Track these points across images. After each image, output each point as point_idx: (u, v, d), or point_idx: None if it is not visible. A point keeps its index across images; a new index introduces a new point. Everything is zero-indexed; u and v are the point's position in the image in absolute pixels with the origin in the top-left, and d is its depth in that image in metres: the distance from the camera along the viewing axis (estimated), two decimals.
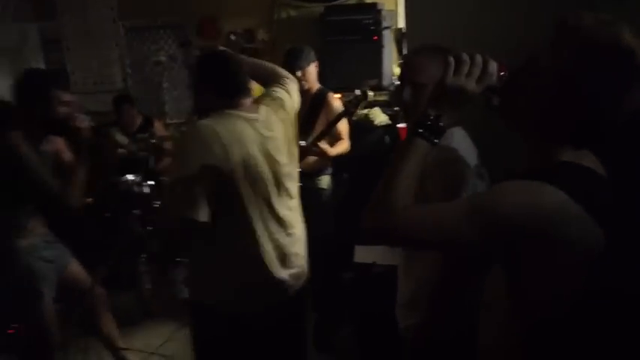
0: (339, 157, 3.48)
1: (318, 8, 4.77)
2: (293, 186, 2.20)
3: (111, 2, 5.38)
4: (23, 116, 2.51)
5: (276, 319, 2.13)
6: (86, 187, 2.64)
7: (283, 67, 3.37)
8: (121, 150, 4.38)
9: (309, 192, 3.34)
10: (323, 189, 3.48)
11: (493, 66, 1.16)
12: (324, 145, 3.24)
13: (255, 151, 1.97)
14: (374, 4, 4.56)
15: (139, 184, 4.05)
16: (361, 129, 3.86)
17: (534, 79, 1.12)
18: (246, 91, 2.06)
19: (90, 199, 3.98)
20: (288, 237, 2.12)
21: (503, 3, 2.01)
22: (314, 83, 3.44)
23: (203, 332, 2.15)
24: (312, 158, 3.32)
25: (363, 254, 2.79)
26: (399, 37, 4.61)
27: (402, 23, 4.62)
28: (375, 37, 4.48)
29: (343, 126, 3.42)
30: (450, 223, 1.08)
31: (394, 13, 4.68)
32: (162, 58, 5.37)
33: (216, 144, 1.87)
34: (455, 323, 1.61)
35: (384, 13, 4.48)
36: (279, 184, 2.07)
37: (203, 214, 1.86)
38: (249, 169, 1.94)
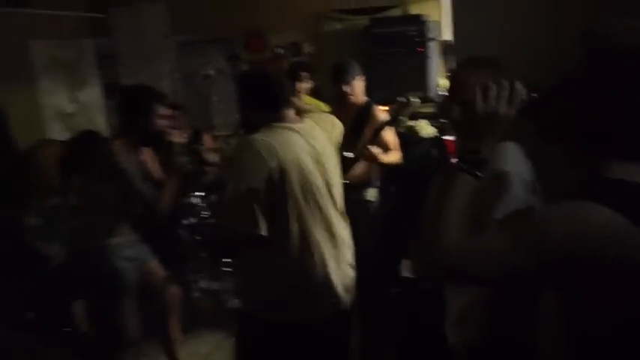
0: (386, 170, 3.48)
1: (363, 21, 4.80)
2: (340, 198, 2.22)
3: (162, 18, 5.54)
4: (124, 127, 2.71)
5: (324, 331, 2.13)
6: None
7: (331, 80, 3.43)
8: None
9: (355, 204, 3.34)
10: (370, 201, 3.48)
11: (520, 87, 1.15)
12: (374, 149, 3.22)
13: (308, 161, 2.01)
14: (419, 16, 4.57)
15: (189, 195, 4.14)
16: (407, 141, 3.85)
17: (574, 97, 1.11)
18: (287, 103, 2.12)
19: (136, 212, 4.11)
20: (339, 248, 2.13)
21: (553, 14, 1.98)
22: (360, 96, 3.46)
23: (248, 342, 2.17)
24: (358, 170, 3.31)
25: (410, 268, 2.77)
26: (445, 48, 4.59)
27: (447, 35, 4.60)
28: (421, 49, 4.48)
29: (391, 137, 3.40)
30: (503, 259, 1.06)
31: (439, 25, 4.67)
32: (211, 72, 5.50)
33: (272, 156, 1.92)
34: (507, 339, 1.58)
35: (429, 24, 4.48)
36: (330, 194, 2.11)
37: (263, 227, 1.92)
38: (302, 180, 1.98)
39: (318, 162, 2.06)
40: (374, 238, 3.39)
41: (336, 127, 2.30)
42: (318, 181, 2.04)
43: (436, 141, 4.03)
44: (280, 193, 1.94)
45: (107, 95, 5.81)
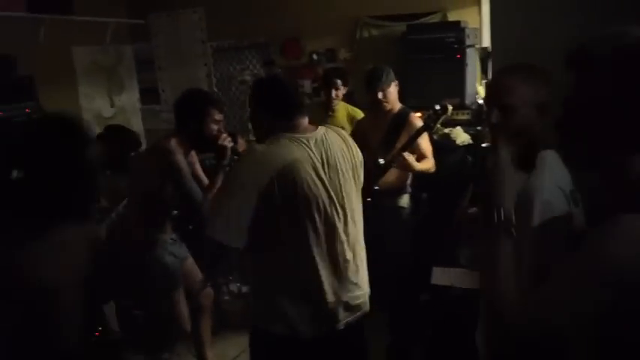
0: (420, 177, 3.43)
1: (400, 27, 4.76)
2: (356, 211, 2.11)
3: (200, 24, 5.63)
4: (178, 128, 2.80)
5: (329, 346, 2.05)
6: None
7: (365, 87, 3.40)
8: None
9: (387, 210, 3.32)
10: (402, 207, 3.43)
11: None
12: (408, 157, 3.17)
13: (311, 175, 1.92)
14: (457, 22, 4.50)
15: None
16: (442, 148, 3.79)
17: (600, 111, 1.06)
18: (301, 111, 2.05)
19: (175, 212, 4.15)
20: (341, 265, 2.03)
21: (592, 19, 1.91)
22: (395, 103, 3.41)
23: (260, 356, 2.12)
24: (391, 176, 3.28)
25: (441, 276, 2.72)
26: (484, 56, 4.51)
27: (486, 41, 4.52)
28: (459, 55, 4.41)
29: (426, 144, 3.35)
30: (572, 303, 1.01)
31: (478, 31, 4.59)
32: (247, 77, 5.54)
33: (268, 170, 1.86)
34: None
35: (467, 31, 4.41)
36: (341, 207, 2.01)
37: (237, 241, 1.88)
38: (302, 193, 1.90)
39: (326, 175, 1.97)
40: (406, 245, 3.35)
41: (353, 147, 2.18)
42: (323, 196, 1.95)
43: (471, 148, 3.95)
44: (276, 205, 1.88)
45: (143, 100, 5.94)
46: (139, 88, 5.96)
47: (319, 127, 2.08)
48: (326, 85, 3.98)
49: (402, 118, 3.38)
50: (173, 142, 2.73)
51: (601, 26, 1.85)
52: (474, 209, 1.83)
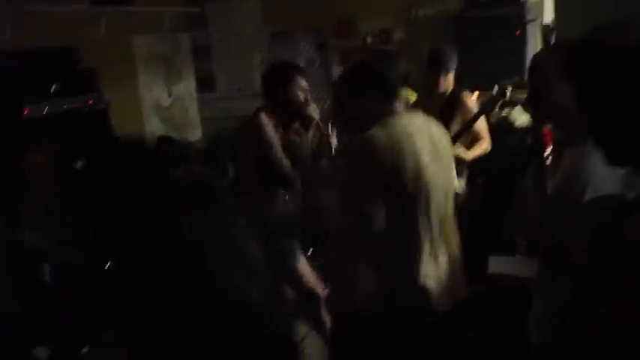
0: (476, 161, 3.32)
1: (457, 3, 4.60)
2: (452, 198, 2.11)
3: (255, 9, 5.64)
4: (267, 99, 2.83)
5: (419, 330, 2.02)
6: None
7: (427, 67, 3.30)
8: None
9: None
10: (457, 194, 3.33)
11: None
12: (459, 149, 3.08)
13: (427, 160, 1.90)
14: None
15: None
16: (500, 131, 3.65)
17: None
18: (399, 96, 2.04)
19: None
20: (441, 254, 2.03)
21: None
22: (451, 86, 3.31)
23: (341, 338, 2.13)
24: None
25: (498, 265, 2.63)
26: (546, 33, 4.29)
27: (548, 17, 4.30)
28: (519, 32, 4.23)
29: (482, 124, 3.24)
30: None
31: (540, 5, 4.37)
32: (301, 62, 5.52)
33: (390, 155, 1.85)
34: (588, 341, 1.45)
35: (528, 5, 4.22)
36: (442, 195, 1.99)
37: (376, 223, 1.87)
38: (417, 178, 1.88)
39: (435, 160, 1.94)
40: (461, 232, 3.25)
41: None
42: (433, 180, 1.93)
43: (531, 130, 3.78)
44: (396, 190, 1.87)
45: (200, 88, 6.04)
46: (196, 77, 6.06)
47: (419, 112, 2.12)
48: None
49: (454, 100, 3.28)
50: (262, 116, 2.74)
51: None
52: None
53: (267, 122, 2.72)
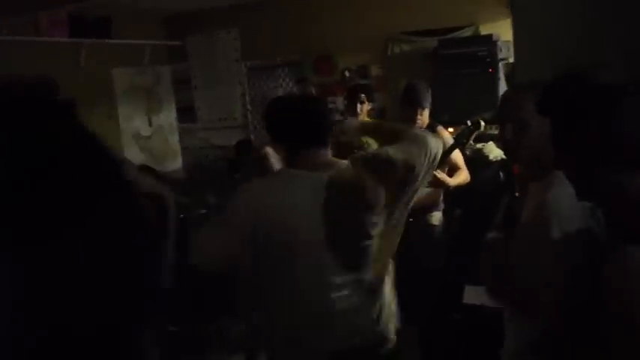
0: (453, 192, 3.38)
1: (432, 42, 4.75)
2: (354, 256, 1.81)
3: (235, 44, 5.75)
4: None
5: None
6: None
7: (403, 102, 3.36)
8: None
9: (419, 228, 3.28)
10: (434, 225, 3.39)
11: None
12: (440, 175, 3.13)
13: (296, 218, 1.72)
14: (489, 36, 4.47)
15: None
16: (475, 164, 3.74)
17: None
18: (318, 142, 1.81)
19: None
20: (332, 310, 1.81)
21: (618, 33, 1.88)
22: (427, 121, 3.39)
23: None
24: (423, 194, 3.25)
25: (473, 295, 2.67)
26: (510, 71, 4.44)
27: None
28: (491, 69, 4.38)
29: (458, 156, 3.30)
30: None
31: (511, 44, 4.54)
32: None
33: (250, 209, 1.76)
34: None
35: (499, 44, 4.37)
36: (332, 253, 1.76)
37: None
38: (283, 240, 1.75)
39: (315, 219, 1.72)
40: (437, 263, 3.31)
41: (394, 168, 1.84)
42: (306, 239, 1.73)
43: (504, 163, 3.89)
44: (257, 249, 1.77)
45: (180, 118, 6.08)
46: (176, 108, 6.11)
47: (339, 164, 1.81)
48: (351, 99, 3.94)
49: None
50: (268, 149, 2.72)
51: (625, 41, 1.83)
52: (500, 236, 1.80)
53: (273, 155, 2.75)
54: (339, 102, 5.26)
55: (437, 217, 3.40)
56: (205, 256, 1.81)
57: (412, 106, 3.27)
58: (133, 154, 5.45)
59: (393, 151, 1.79)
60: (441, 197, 3.39)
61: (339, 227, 1.74)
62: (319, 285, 1.77)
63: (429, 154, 1.83)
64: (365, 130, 2.33)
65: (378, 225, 1.77)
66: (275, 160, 2.26)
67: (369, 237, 1.77)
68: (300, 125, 1.82)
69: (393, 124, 2.27)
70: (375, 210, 1.75)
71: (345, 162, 1.81)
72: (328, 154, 1.85)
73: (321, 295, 1.77)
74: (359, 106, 3.83)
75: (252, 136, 5.75)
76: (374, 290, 1.84)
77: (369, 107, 4.02)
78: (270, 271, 1.81)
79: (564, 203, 1.44)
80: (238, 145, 5.05)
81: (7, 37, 4.02)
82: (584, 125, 1.13)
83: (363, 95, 3.83)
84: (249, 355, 3.49)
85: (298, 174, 1.79)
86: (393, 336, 1.90)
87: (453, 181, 3.21)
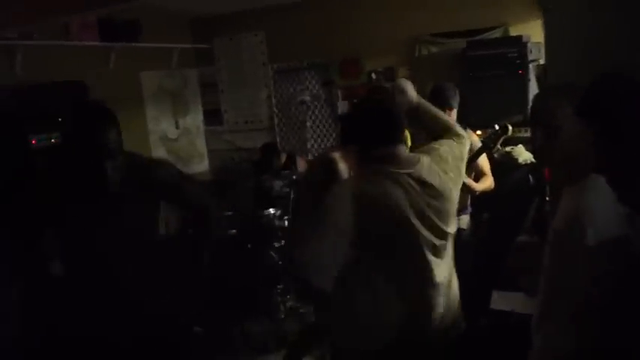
0: (481, 196, 3.33)
1: (460, 44, 4.69)
2: (442, 244, 1.98)
3: (261, 47, 5.77)
4: None
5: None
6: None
7: (431, 103, 3.34)
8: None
9: None
10: (462, 229, 3.33)
11: None
12: (467, 179, 3.09)
13: (400, 213, 1.83)
14: (519, 37, 4.39)
15: (280, 218, 4.22)
16: (504, 167, 3.68)
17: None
18: (395, 141, 1.90)
19: (234, 231, 4.23)
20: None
21: None
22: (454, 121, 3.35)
23: None
24: None
25: (501, 301, 2.61)
26: (540, 72, 4.36)
27: None
28: (521, 71, 4.30)
29: (484, 162, 3.26)
30: None
31: (542, 46, 4.45)
32: (307, 98, 5.61)
33: (350, 207, 1.80)
34: None
35: (529, 45, 4.29)
36: (425, 242, 1.90)
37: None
38: (385, 233, 1.84)
39: (420, 213, 1.86)
40: (465, 267, 3.24)
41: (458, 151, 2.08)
42: (411, 233, 1.86)
43: (534, 167, 3.81)
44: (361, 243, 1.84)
45: (207, 121, 6.13)
46: (203, 110, 6.15)
47: (421, 157, 1.93)
48: None
49: None
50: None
51: None
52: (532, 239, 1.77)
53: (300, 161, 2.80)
54: None
55: (464, 220, 3.35)
56: (320, 271, 1.94)
57: (440, 106, 3.24)
58: (161, 156, 5.51)
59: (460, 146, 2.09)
60: (469, 201, 3.34)
61: (432, 217, 1.88)
62: (422, 273, 1.92)
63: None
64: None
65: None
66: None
67: (450, 223, 1.97)
68: (381, 124, 1.90)
69: (438, 110, 2.31)
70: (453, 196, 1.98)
71: (424, 156, 1.94)
72: (405, 149, 1.94)
73: (425, 281, 1.93)
74: None
75: (278, 139, 5.76)
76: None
77: None
78: (375, 263, 1.89)
79: (600, 209, 1.38)
80: (264, 148, 5.06)
81: (38, 42, 4.09)
82: (628, 128, 1.09)
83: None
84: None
85: (391, 171, 1.85)
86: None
87: (480, 186, 3.17)
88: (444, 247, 1.98)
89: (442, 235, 1.94)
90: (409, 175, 1.86)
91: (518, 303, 2.49)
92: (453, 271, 2.11)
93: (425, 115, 2.22)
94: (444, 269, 2.00)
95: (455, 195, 2.01)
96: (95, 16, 4.46)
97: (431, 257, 1.92)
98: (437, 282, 1.95)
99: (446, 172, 1.96)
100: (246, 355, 3.64)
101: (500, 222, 3.52)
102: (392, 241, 1.87)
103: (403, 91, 2.21)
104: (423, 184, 1.87)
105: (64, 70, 4.26)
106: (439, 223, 1.91)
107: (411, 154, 1.95)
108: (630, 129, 1.11)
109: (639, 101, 1.11)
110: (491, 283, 2.84)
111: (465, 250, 3.33)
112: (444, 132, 2.18)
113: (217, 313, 3.96)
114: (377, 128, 1.90)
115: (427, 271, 1.93)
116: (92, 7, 4.23)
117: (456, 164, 2.04)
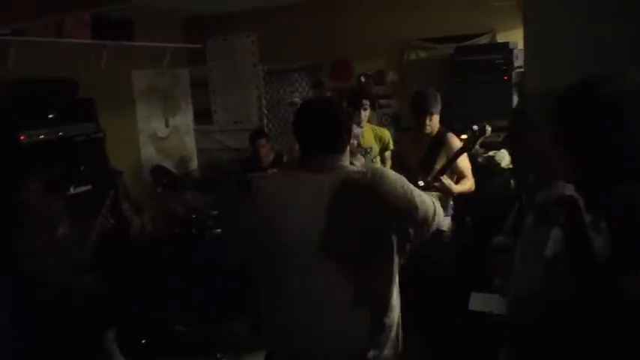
0: (462, 199, 3.40)
1: (448, 49, 4.76)
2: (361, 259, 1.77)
3: (252, 48, 5.81)
4: None
5: None
6: None
7: (413, 108, 3.40)
8: None
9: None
10: (443, 231, 3.40)
11: None
12: (446, 180, 3.16)
13: (293, 216, 1.76)
14: (505, 44, 4.47)
15: None
16: (487, 171, 3.75)
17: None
18: (326, 149, 1.81)
19: (219, 231, 4.29)
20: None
21: (629, 43, 1.88)
22: (437, 127, 3.42)
23: None
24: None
25: (479, 302, 2.67)
26: (520, 79, 4.42)
27: None
28: (506, 77, 4.37)
29: (465, 163, 3.33)
30: None
31: None
32: (297, 99, 5.65)
33: (256, 206, 1.88)
34: None
35: (515, 52, 4.37)
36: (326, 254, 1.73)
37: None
38: (272, 235, 1.80)
39: (315, 218, 1.72)
40: (445, 269, 3.31)
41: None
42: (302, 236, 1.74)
43: (515, 171, 3.88)
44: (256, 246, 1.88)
45: (197, 120, 6.17)
46: (193, 110, 6.20)
47: (347, 170, 1.81)
48: (354, 105, 3.73)
49: (440, 139, 3.38)
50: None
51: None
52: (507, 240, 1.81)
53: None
54: None
55: (446, 222, 3.41)
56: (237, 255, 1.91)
57: (421, 112, 3.32)
58: (150, 154, 5.55)
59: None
60: (451, 203, 3.40)
61: (340, 230, 1.73)
62: (309, 286, 1.76)
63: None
64: None
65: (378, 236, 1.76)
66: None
67: (370, 245, 1.75)
68: (310, 131, 1.86)
69: None
70: (376, 221, 1.74)
71: (355, 168, 1.84)
72: (339, 159, 1.83)
73: (311, 296, 1.76)
74: (362, 112, 3.70)
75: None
76: (372, 303, 1.80)
77: (368, 113, 3.89)
78: (267, 269, 1.86)
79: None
80: (253, 136, 4.90)
81: (31, 38, 4.11)
82: (600, 136, 1.12)
83: (365, 101, 3.72)
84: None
85: (302, 175, 1.83)
86: None
87: (458, 188, 3.24)
88: (355, 263, 1.75)
89: (353, 247, 1.74)
90: (320, 181, 1.76)
91: (496, 304, 2.56)
92: (365, 292, 1.77)
93: None
94: (332, 287, 1.74)
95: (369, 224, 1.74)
96: (88, 14, 4.49)
97: (325, 270, 1.72)
98: (316, 299, 1.76)
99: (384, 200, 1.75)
100: (229, 354, 3.67)
101: (481, 225, 3.59)
102: (271, 239, 1.81)
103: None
104: (345, 194, 1.73)
105: (57, 67, 4.29)
106: (351, 235, 1.73)
107: (343, 165, 1.83)
108: (601, 137, 1.15)
109: (611, 110, 1.14)
110: (470, 285, 2.91)
111: (446, 251, 3.41)
112: None
113: (201, 312, 4.00)
114: (301, 134, 1.88)
115: (301, 286, 1.76)
116: (85, 8, 4.27)
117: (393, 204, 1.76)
